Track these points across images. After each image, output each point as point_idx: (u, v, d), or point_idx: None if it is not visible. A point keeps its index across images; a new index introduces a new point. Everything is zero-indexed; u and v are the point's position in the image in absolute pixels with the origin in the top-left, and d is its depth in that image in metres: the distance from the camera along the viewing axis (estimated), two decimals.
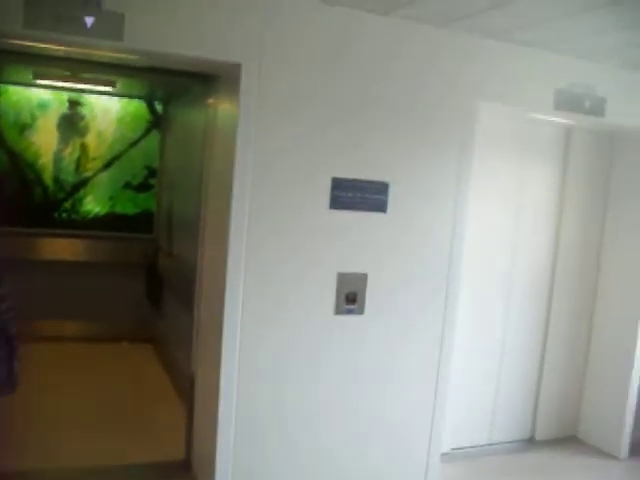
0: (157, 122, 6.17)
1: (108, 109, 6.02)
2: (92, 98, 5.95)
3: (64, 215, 6.05)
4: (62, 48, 3.08)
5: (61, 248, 5.97)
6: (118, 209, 6.17)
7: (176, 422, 4.14)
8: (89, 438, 4.05)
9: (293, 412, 3.38)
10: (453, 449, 4.20)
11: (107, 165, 6.09)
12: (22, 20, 2.73)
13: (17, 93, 5.77)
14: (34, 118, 5.86)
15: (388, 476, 3.60)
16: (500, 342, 4.37)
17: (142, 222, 6.23)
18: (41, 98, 5.83)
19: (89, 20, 2.79)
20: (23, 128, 5.84)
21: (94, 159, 6.06)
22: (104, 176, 6.10)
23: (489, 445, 4.42)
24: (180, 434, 3.84)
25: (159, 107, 6.15)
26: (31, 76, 5.00)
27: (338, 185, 3.30)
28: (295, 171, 3.23)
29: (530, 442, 4.56)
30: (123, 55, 3.15)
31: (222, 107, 3.41)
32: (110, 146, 6.08)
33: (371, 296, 3.45)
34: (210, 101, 3.58)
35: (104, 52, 3.10)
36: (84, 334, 6.19)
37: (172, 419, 4.32)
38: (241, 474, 3.32)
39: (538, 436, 4.58)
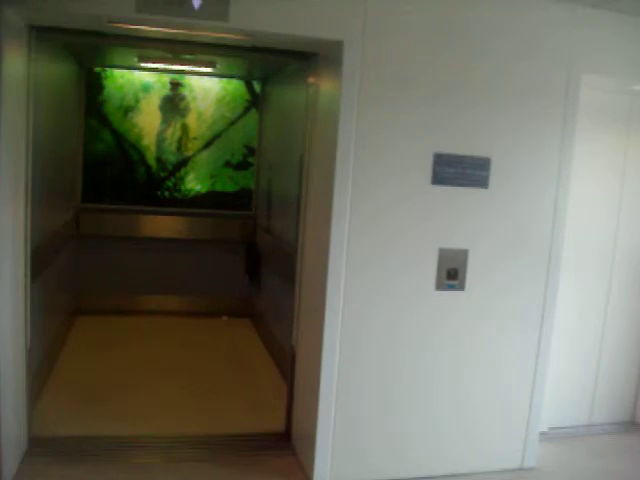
0: (255, 101, 6.27)
1: (208, 89, 6.16)
2: (192, 79, 6.11)
3: (167, 193, 6.25)
4: (169, 30, 3.18)
5: (164, 226, 6.18)
6: (218, 187, 6.33)
7: (275, 395, 4.26)
8: (190, 407, 4.22)
9: (392, 386, 3.40)
10: (552, 428, 4.14)
11: (207, 144, 6.25)
12: (134, 5, 2.84)
13: (122, 77, 5.99)
14: (137, 100, 6.07)
15: (488, 450, 3.59)
16: (601, 323, 4.25)
17: (241, 200, 6.37)
18: (144, 81, 6.03)
19: (197, 2, 2.87)
20: (127, 110, 6.07)
21: (195, 139, 6.23)
22: (204, 155, 6.27)
23: (588, 426, 4.33)
24: (279, 407, 3.94)
25: (257, 86, 6.25)
26: (135, 59, 5.17)
27: (440, 161, 3.28)
28: (397, 148, 3.23)
29: (631, 424, 4.44)
30: (226, 35, 3.22)
31: (323, 85, 3.44)
32: (210, 126, 6.23)
33: (472, 272, 3.42)
34: (310, 79, 3.61)
35: (208, 33, 3.18)
36: (186, 308, 6.42)
37: (271, 392, 4.44)
38: (341, 448, 3.39)
39: (638, 419, 4.45)
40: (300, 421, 3.69)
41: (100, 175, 6.11)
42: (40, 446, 3.52)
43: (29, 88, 3.25)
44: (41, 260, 3.80)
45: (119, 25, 3.12)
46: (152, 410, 4.13)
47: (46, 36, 3.34)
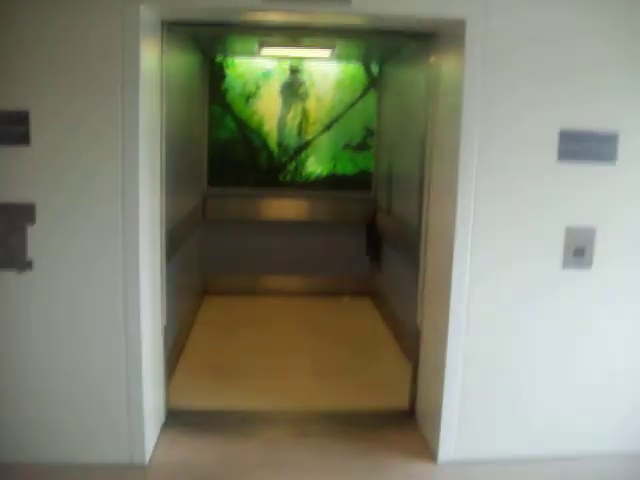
0: (373, 83, 6.30)
1: (326, 74, 6.24)
2: (311, 64, 6.20)
3: (288, 177, 6.40)
4: (291, 18, 3.27)
5: (286, 209, 6.34)
6: (338, 170, 6.41)
7: (398, 373, 4.30)
8: (315, 385, 4.33)
9: (518, 365, 3.38)
10: None
11: (327, 128, 6.34)
12: None
13: (242, 65, 6.17)
14: (258, 87, 6.23)
15: (598, 435, 3.50)
16: None
17: (361, 181, 6.43)
18: (264, 68, 6.18)
19: None
20: (248, 97, 6.24)
21: (314, 123, 6.33)
22: (324, 138, 6.36)
23: None
24: (403, 385, 3.98)
25: (375, 69, 6.27)
26: (256, 47, 5.31)
27: (566, 136, 3.19)
28: (522, 124, 3.18)
29: None
30: (347, 19, 3.27)
31: (444, 64, 3.43)
32: (329, 109, 6.31)
33: (599, 251, 3.33)
34: (431, 59, 3.60)
35: (330, 18, 3.24)
36: (308, 289, 6.57)
37: (394, 370, 4.49)
38: (466, 427, 3.40)
39: None
40: (425, 399, 3.72)
41: (224, 161, 6.33)
42: (176, 418, 3.75)
43: (162, 80, 3.43)
44: (174, 243, 4.01)
45: (245, 15, 3.24)
46: (279, 387, 4.27)
47: (176, 30, 3.51)
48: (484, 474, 3.33)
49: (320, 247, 6.44)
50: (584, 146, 3.23)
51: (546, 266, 3.30)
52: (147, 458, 3.33)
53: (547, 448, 3.46)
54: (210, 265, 6.35)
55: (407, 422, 3.85)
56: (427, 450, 3.52)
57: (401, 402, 3.94)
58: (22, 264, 3.07)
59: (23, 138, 3.00)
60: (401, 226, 4.93)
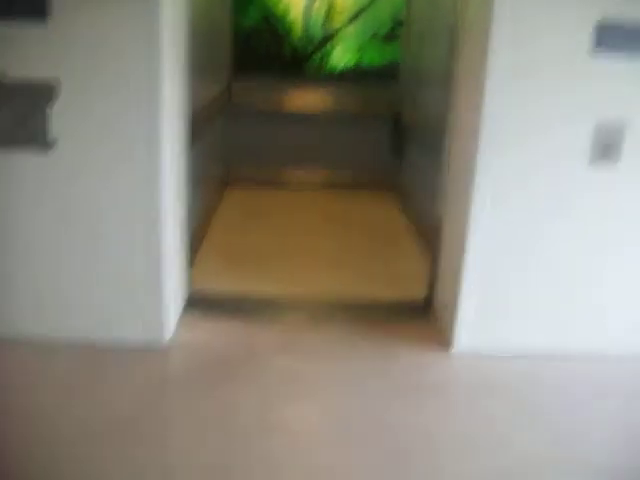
0: None
1: None
2: None
3: (314, 68, 6.26)
4: None
5: (311, 100, 6.24)
6: (365, 60, 6.25)
7: (418, 265, 4.33)
8: (334, 274, 4.38)
9: (539, 261, 3.37)
10: None
11: (354, 17, 6.14)
12: None
13: None
14: None
15: (612, 337, 3.52)
16: None
17: (388, 73, 6.27)
18: None
19: None
20: None
21: (341, 12, 6.13)
22: (351, 28, 6.18)
23: None
24: (421, 277, 4.01)
25: None
26: None
27: (601, 26, 3.05)
28: (555, 14, 3.04)
29: None
30: None
31: None
32: None
33: (629, 148, 3.24)
34: None
35: None
36: (330, 182, 6.55)
37: (414, 262, 4.52)
38: (482, 320, 3.44)
39: None
40: (443, 291, 3.75)
41: (249, 51, 6.19)
42: (197, 301, 3.83)
43: None
44: (197, 129, 3.97)
45: None
46: (298, 275, 4.34)
47: None
48: (496, 366, 3.38)
49: (344, 140, 6.36)
50: (619, 36, 3.09)
51: (572, 160, 3.23)
52: (166, 339, 3.42)
53: (560, 345, 3.49)
54: (233, 156, 6.32)
55: (424, 314, 3.89)
56: (442, 341, 3.58)
57: (418, 294, 3.98)
58: (44, 144, 3.06)
59: (42, 11, 2.92)
60: (427, 118, 4.83)
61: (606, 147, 3.22)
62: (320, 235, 5.18)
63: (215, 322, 3.67)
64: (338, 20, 6.16)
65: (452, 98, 3.61)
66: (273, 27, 6.14)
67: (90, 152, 3.12)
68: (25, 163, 3.10)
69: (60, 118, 3.05)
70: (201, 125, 4.27)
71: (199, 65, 4.01)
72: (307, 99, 6.22)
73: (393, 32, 6.18)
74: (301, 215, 5.71)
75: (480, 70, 3.15)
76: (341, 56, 6.23)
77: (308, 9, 6.13)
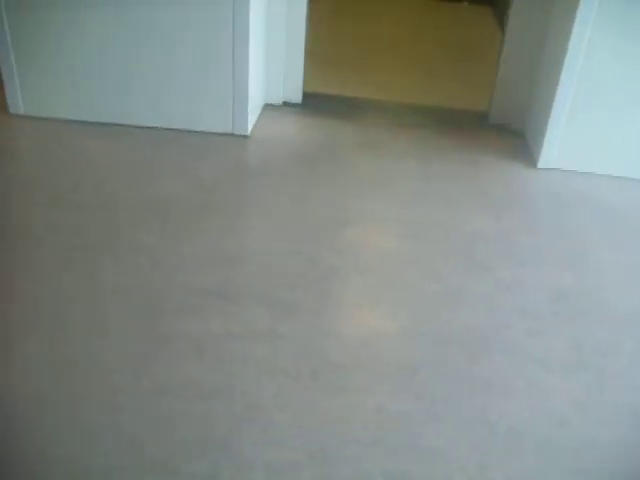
0: None
1: None
2: None
3: None
4: None
5: None
6: None
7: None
8: (418, 84, 4.28)
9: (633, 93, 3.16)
10: None
11: None
12: None
13: None
14: None
15: None
16: None
17: None
18: None
19: None
20: None
21: None
22: None
23: None
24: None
25: None
26: None
27: None
28: None
29: None
30: None
31: None
32: None
33: None
34: None
35: None
36: None
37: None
38: (570, 139, 3.29)
39: None
40: (534, 107, 3.57)
41: None
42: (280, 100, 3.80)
43: None
44: None
45: None
46: (383, 79, 4.27)
47: None
48: (582, 183, 3.28)
49: None
50: None
51: None
52: (249, 130, 3.42)
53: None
54: None
55: (512, 129, 3.74)
56: (528, 155, 3.46)
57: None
58: None
59: None
60: None
61: None
62: (409, 44, 5.04)
63: (297, 118, 3.67)
64: None
65: None
66: None
67: None
68: None
69: None
70: None
71: None
72: None
73: None
74: (392, 24, 5.46)
75: None
76: None
77: None
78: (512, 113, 3.72)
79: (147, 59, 3.24)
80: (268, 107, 3.74)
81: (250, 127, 3.41)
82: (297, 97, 3.82)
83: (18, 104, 3.37)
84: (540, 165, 3.36)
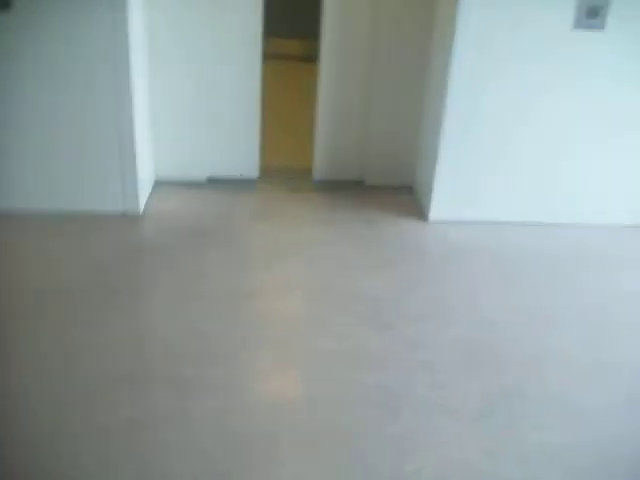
0: None
1: None
2: None
3: None
4: None
5: None
6: None
7: None
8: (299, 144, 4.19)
9: (511, 133, 3.36)
10: None
11: None
12: None
13: None
14: None
15: (580, 207, 3.58)
16: None
17: None
18: None
19: None
20: None
21: None
22: None
23: None
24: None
25: None
26: None
27: None
28: None
29: None
30: None
31: None
32: None
33: (616, 11, 3.13)
34: None
35: None
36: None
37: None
38: (456, 191, 3.44)
39: None
40: (422, 168, 3.72)
41: None
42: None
43: None
44: None
45: None
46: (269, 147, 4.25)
47: None
48: (470, 232, 3.43)
49: None
50: None
51: (556, 25, 3.13)
52: (141, 209, 3.39)
53: (532, 215, 3.55)
54: None
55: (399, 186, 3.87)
56: (419, 210, 3.60)
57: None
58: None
59: None
60: None
61: (590, 10, 3.11)
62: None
63: (186, 194, 3.66)
64: None
65: None
66: None
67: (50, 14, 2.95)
68: None
69: None
70: None
71: None
72: None
73: None
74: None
75: None
76: None
77: None
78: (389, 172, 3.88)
79: (30, 140, 3.18)
80: (158, 183, 3.73)
81: (142, 204, 3.39)
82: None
83: None
84: (431, 219, 3.49)
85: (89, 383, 2.20)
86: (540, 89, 3.27)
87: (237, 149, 3.81)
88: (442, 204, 3.47)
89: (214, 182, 3.79)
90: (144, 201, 3.44)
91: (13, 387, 2.17)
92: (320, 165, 3.90)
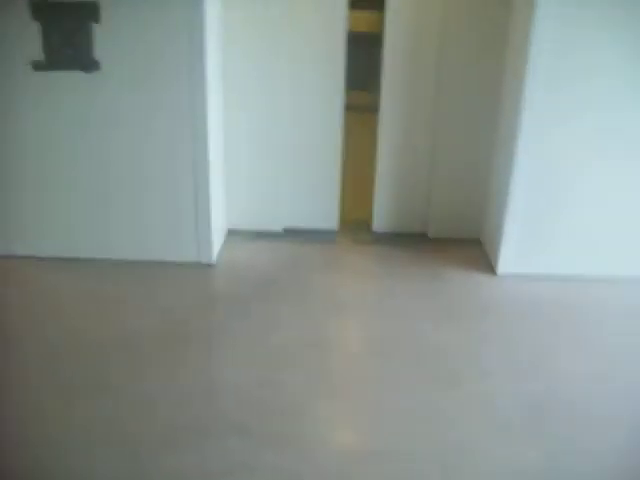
0: None
1: None
2: None
3: None
4: None
5: None
6: None
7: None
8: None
9: (579, 183, 3.32)
10: None
11: None
12: None
13: None
14: None
15: None
16: None
17: None
18: None
19: None
20: None
21: None
22: None
23: None
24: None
25: None
26: None
27: None
28: None
29: None
30: None
31: None
32: None
33: None
34: None
35: None
36: None
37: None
38: (526, 244, 3.42)
39: None
40: (490, 220, 3.71)
41: None
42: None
43: None
44: None
45: None
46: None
47: None
48: (540, 286, 3.39)
49: None
50: None
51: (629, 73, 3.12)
52: (214, 258, 3.49)
53: (607, 268, 3.47)
54: None
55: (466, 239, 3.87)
56: (487, 263, 3.59)
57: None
58: (89, 64, 3.07)
59: None
60: None
61: None
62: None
63: (262, 244, 3.74)
64: None
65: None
66: None
67: (134, 70, 3.13)
68: (71, 83, 3.13)
69: (104, 38, 3.05)
70: None
71: None
72: None
73: None
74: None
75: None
76: None
77: None
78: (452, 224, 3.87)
79: (113, 196, 3.35)
80: (232, 232, 3.82)
81: (215, 254, 3.49)
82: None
83: None
84: (499, 272, 3.47)
85: (163, 431, 2.26)
86: (614, 136, 3.23)
87: (316, 200, 3.86)
88: (511, 257, 3.44)
89: (291, 233, 3.85)
90: (217, 250, 3.54)
91: (83, 436, 2.25)
92: (381, 216, 3.91)
